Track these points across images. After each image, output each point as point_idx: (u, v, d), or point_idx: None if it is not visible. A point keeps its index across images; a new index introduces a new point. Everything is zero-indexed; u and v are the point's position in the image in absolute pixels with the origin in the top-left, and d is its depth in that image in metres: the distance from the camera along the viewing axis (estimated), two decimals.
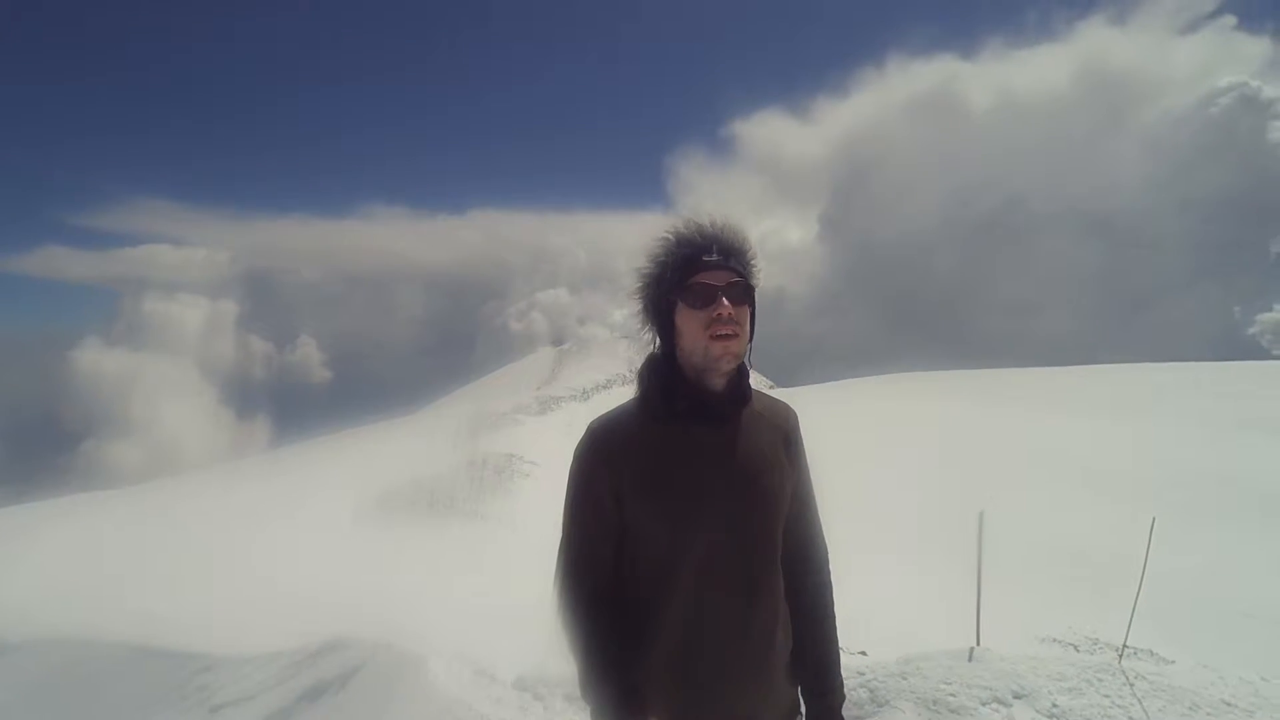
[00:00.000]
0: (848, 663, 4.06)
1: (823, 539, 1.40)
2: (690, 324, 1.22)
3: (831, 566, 1.42)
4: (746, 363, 1.31)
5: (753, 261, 1.29)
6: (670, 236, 1.27)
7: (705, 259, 1.23)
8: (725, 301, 1.20)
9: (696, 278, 1.22)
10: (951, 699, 3.40)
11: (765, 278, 1.35)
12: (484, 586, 8.98)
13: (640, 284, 1.30)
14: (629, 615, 1.27)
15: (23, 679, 6.68)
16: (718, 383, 1.25)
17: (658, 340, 1.31)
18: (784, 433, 1.34)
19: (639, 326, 1.34)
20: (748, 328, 1.25)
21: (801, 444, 1.38)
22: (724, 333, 1.20)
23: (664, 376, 1.28)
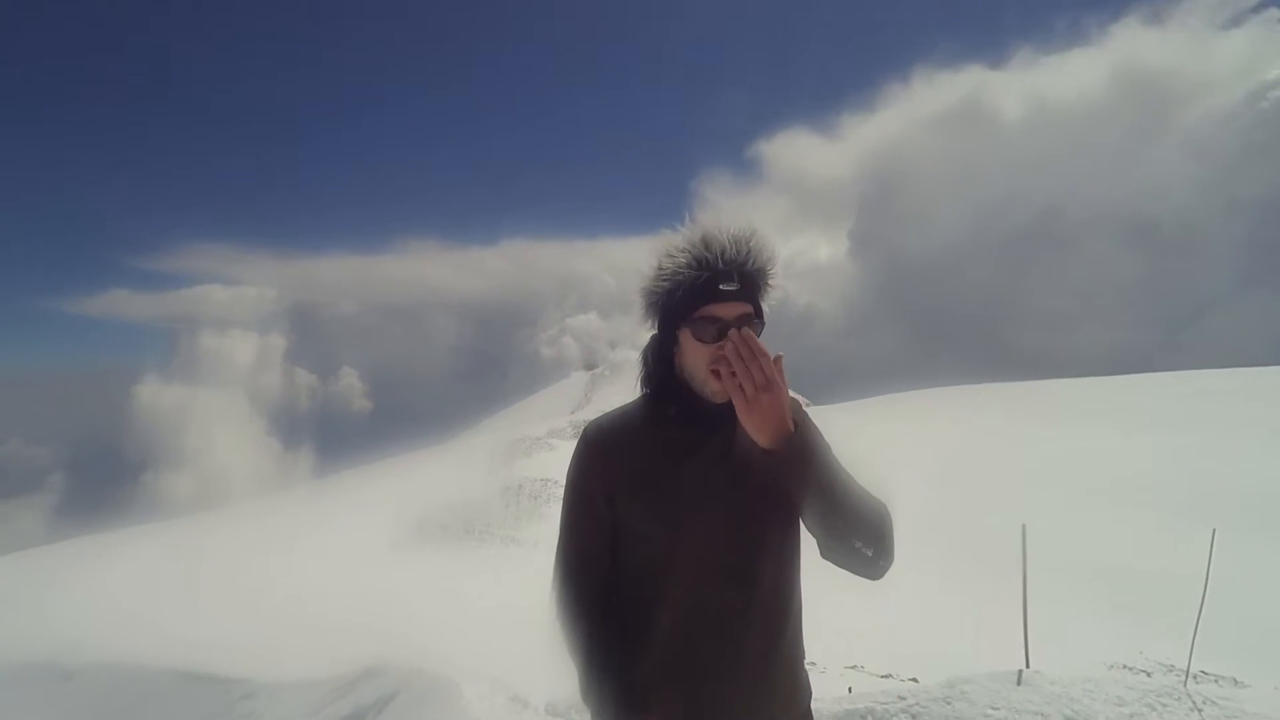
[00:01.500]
0: (893, 688, 3.90)
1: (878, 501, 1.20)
2: (693, 352, 1.18)
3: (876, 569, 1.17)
4: None
5: (772, 281, 1.20)
6: (689, 253, 1.17)
7: (722, 288, 1.15)
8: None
9: (708, 308, 1.16)
10: None
11: (793, 296, 1.26)
12: (519, 612, 8.96)
13: (650, 291, 1.22)
14: (627, 615, 1.26)
15: (80, 705, 6.93)
16: (717, 398, 1.20)
17: (659, 339, 1.26)
18: None
19: (648, 326, 1.27)
20: None
21: (814, 430, 1.25)
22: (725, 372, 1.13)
23: (660, 380, 1.27)
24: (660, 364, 1.27)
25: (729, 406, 1.23)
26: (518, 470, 18.38)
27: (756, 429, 1.07)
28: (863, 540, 1.13)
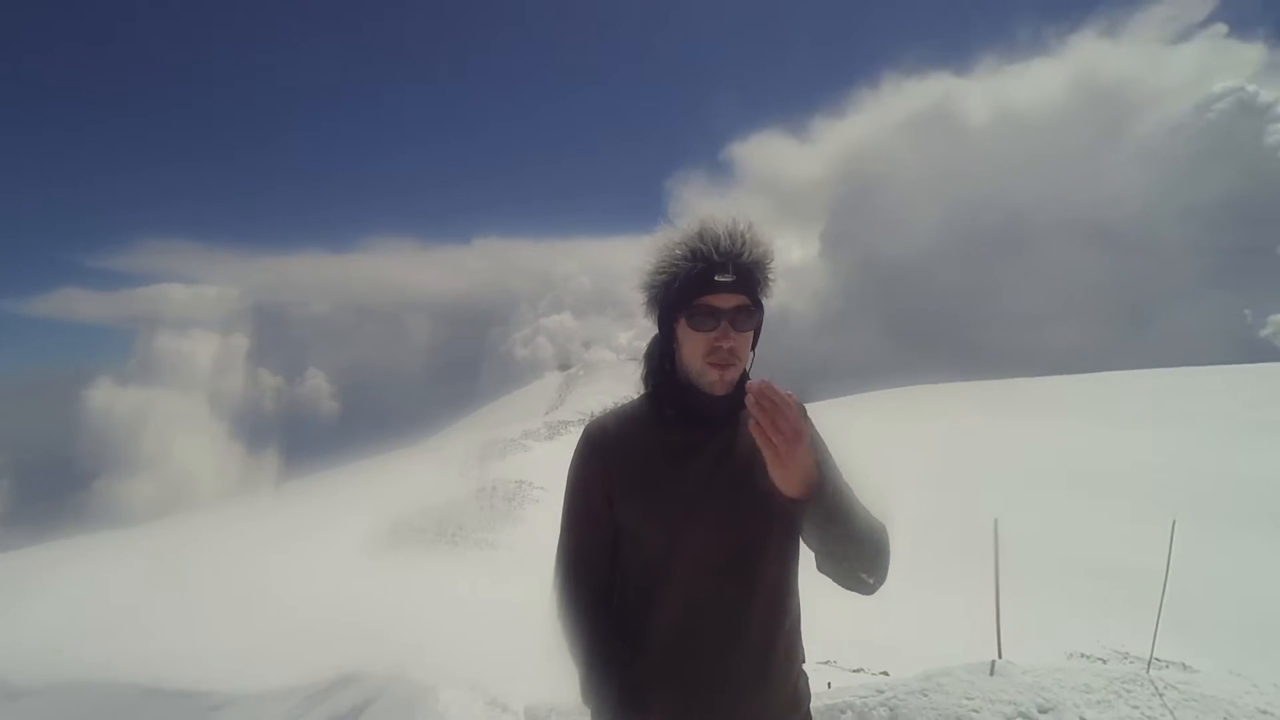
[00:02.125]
0: (868, 681, 3.97)
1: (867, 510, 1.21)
2: (690, 343, 1.19)
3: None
4: (746, 369, 1.29)
5: (770, 275, 1.21)
6: (683, 245, 1.18)
7: (717, 279, 1.16)
8: (729, 329, 1.16)
9: (703, 299, 1.17)
10: (975, 715, 3.30)
11: (769, 296, 1.27)
12: (495, 615, 8.87)
13: (648, 285, 1.24)
14: (627, 616, 1.26)
15: None
16: (715, 389, 1.21)
17: (659, 336, 1.27)
18: None
19: (645, 314, 1.29)
20: (748, 350, 1.21)
21: (815, 438, 1.28)
22: (722, 362, 1.17)
23: (660, 378, 1.27)
24: (662, 364, 1.28)
25: (729, 406, 1.24)
26: (492, 472, 18.18)
27: (786, 481, 1.06)
28: (865, 569, 1.15)
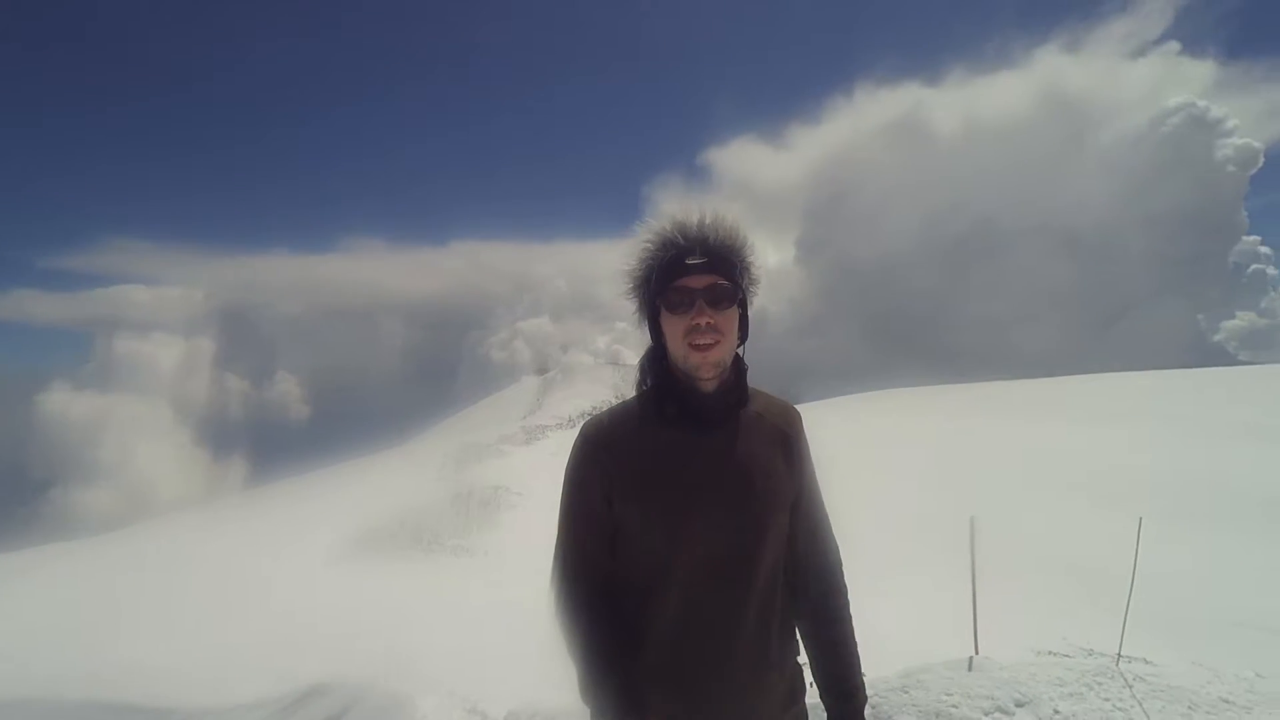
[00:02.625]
0: None
1: (834, 543, 1.36)
2: (672, 330, 1.21)
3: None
4: (743, 361, 1.30)
5: (746, 259, 1.24)
6: (654, 237, 1.23)
7: (688, 262, 1.19)
8: (704, 307, 1.18)
9: (677, 282, 1.20)
10: (954, 710, 3.36)
11: (757, 292, 1.29)
12: (473, 622, 8.74)
13: (629, 284, 1.28)
14: (626, 615, 1.25)
15: None
16: (708, 384, 1.23)
17: (650, 334, 1.29)
18: (785, 435, 1.31)
19: (635, 322, 1.31)
20: (734, 332, 1.23)
21: (805, 446, 1.35)
22: (702, 342, 1.18)
23: (656, 377, 1.27)
24: (656, 362, 1.28)
25: (728, 404, 1.25)
26: (468, 477, 17.94)
27: None
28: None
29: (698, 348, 1.19)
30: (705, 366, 1.20)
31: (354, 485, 20.21)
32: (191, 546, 15.47)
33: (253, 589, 11.51)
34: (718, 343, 1.20)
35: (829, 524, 1.37)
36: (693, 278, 1.19)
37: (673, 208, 1.24)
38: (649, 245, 1.24)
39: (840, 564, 1.38)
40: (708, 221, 1.22)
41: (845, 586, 1.37)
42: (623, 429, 1.26)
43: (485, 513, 15.19)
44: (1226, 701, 3.39)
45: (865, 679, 3.81)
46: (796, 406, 1.41)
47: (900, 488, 11.13)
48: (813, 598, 1.34)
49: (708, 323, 1.18)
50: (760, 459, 1.25)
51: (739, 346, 1.29)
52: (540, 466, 18.79)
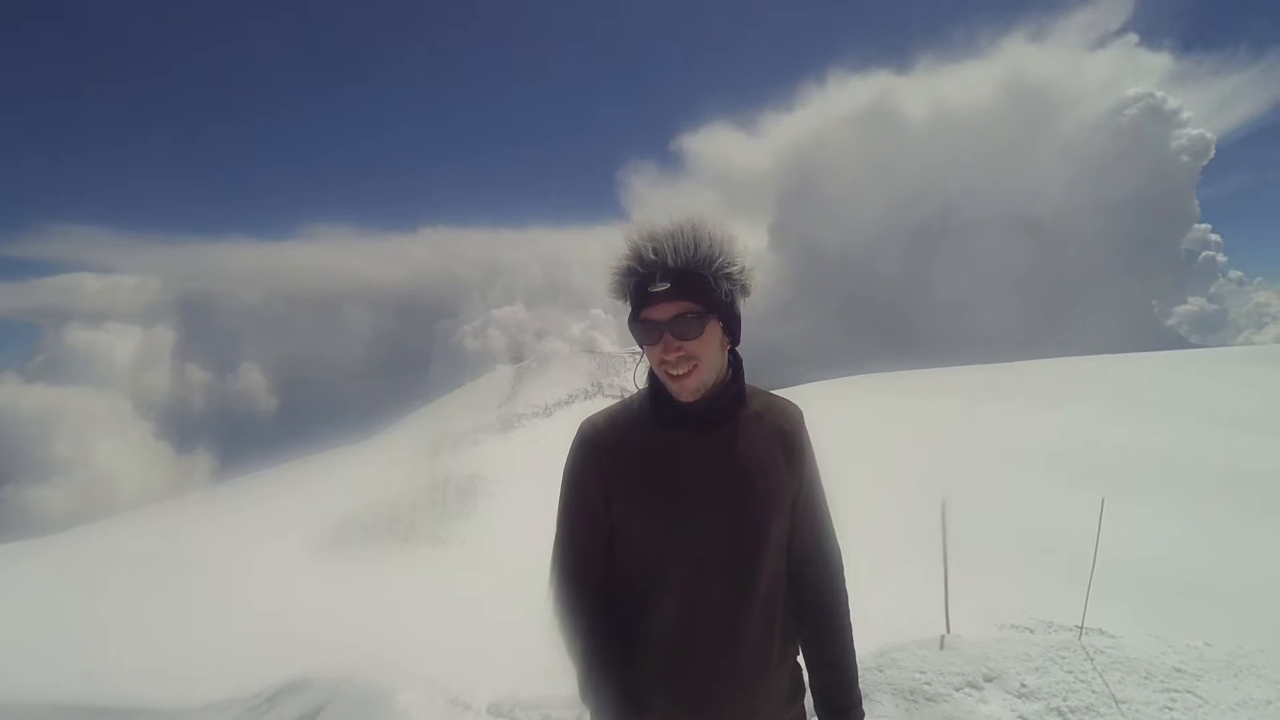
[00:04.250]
0: None
1: (835, 545, 1.36)
2: (649, 355, 1.20)
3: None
4: (739, 358, 1.30)
5: (723, 269, 1.17)
6: (624, 259, 1.17)
7: (650, 290, 1.13)
8: (671, 341, 1.14)
9: (643, 313, 1.16)
10: (927, 687, 3.48)
11: (751, 285, 1.24)
12: (451, 612, 8.70)
13: (614, 297, 1.24)
14: (625, 615, 1.25)
15: None
16: (680, 397, 1.21)
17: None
18: (785, 434, 1.30)
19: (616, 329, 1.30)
20: (713, 349, 1.19)
21: (808, 446, 1.34)
22: (676, 372, 1.16)
23: (652, 382, 1.27)
24: (650, 366, 1.27)
25: (726, 405, 1.25)
26: (444, 467, 17.76)
27: None
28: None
29: (673, 377, 1.17)
30: (684, 393, 1.19)
31: (326, 477, 19.84)
32: (159, 543, 15.04)
33: (225, 585, 11.26)
34: (694, 369, 1.17)
35: (831, 525, 1.36)
36: (658, 308, 1.14)
37: (639, 221, 1.16)
38: (621, 266, 1.19)
39: (842, 568, 1.37)
40: (673, 237, 1.14)
41: (846, 593, 1.36)
42: (620, 430, 1.25)
43: (462, 502, 15.07)
44: (1179, 670, 3.58)
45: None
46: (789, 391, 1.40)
47: (864, 471, 11.41)
48: (812, 605, 1.33)
49: (678, 355, 1.15)
50: (760, 458, 1.24)
51: (733, 348, 1.28)
52: (517, 455, 18.70)
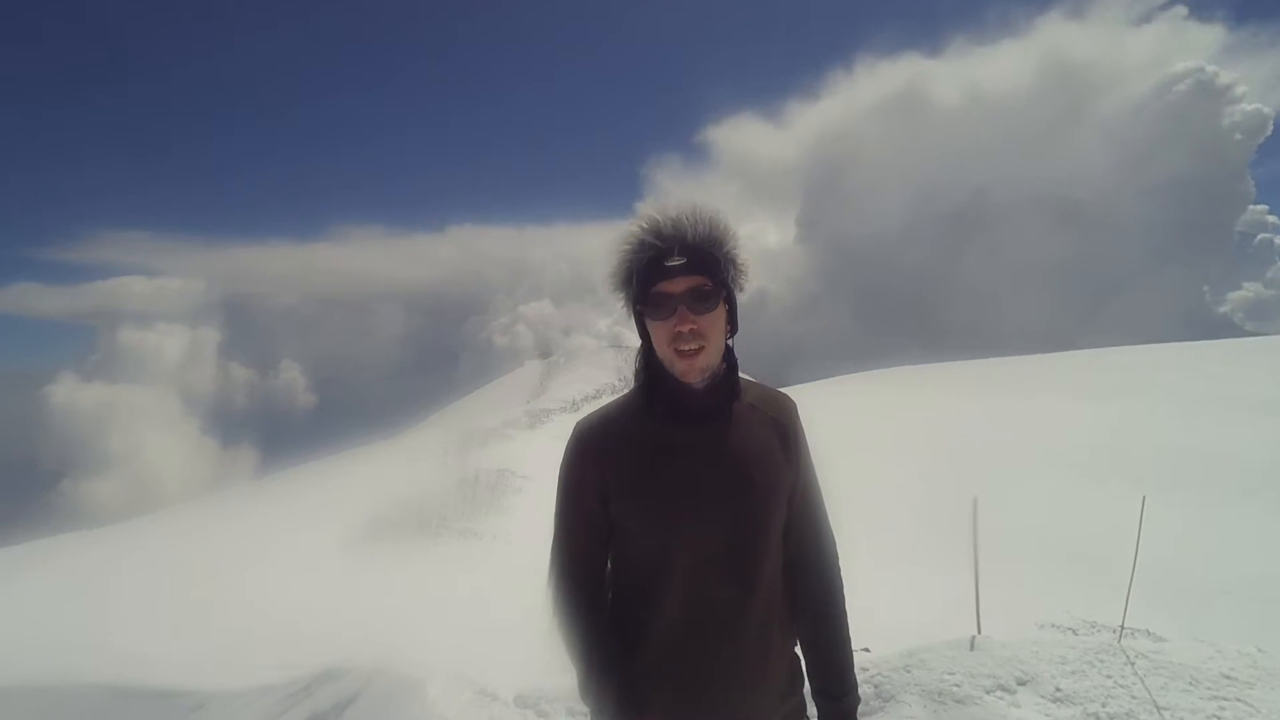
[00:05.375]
0: None
1: (830, 536, 1.35)
2: (657, 334, 1.19)
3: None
4: (734, 353, 1.28)
5: (730, 252, 1.20)
6: (631, 240, 1.19)
7: (666, 264, 1.15)
8: (686, 312, 1.15)
9: (656, 286, 1.16)
10: (956, 689, 3.39)
11: (750, 281, 1.26)
12: (481, 605, 8.85)
13: (613, 287, 1.25)
14: (624, 614, 1.25)
15: None
16: (698, 384, 1.21)
17: (639, 334, 1.27)
18: (780, 426, 1.29)
19: (625, 319, 1.28)
20: (720, 332, 1.20)
21: (802, 437, 1.33)
22: (687, 348, 1.16)
23: (645, 374, 1.26)
24: (647, 360, 1.26)
25: (717, 396, 1.23)
26: (473, 462, 18.05)
27: None
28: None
29: (683, 354, 1.16)
30: (692, 373, 1.18)
31: (361, 473, 20.38)
32: (200, 536, 15.67)
33: (264, 576, 11.67)
34: (703, 348, 1.17)
35: (826, 516, 1.35)
36: (672, 281, 1.15)
37: (650, 203, 1.20)
38: (627, 246, 1.20)
39: (837, 557, 1.36)
40: (686, 216, 1.17)
41: (841, 582, 1.36)
42: (616, 427, 1.24)
43: (492, 496, 15.31)
44: (1228, 678, 3.41)
45: (869, 656, 3.83)
46: (790, 388, 1.38)
47: (896, 468, 11.18)
48: (810, 594, 1.33)
49: (691, 329, 1.15)
50: (757, 451, 1.24)
51: (729, 339, 1.26)
52: (546, 450, 18.89)
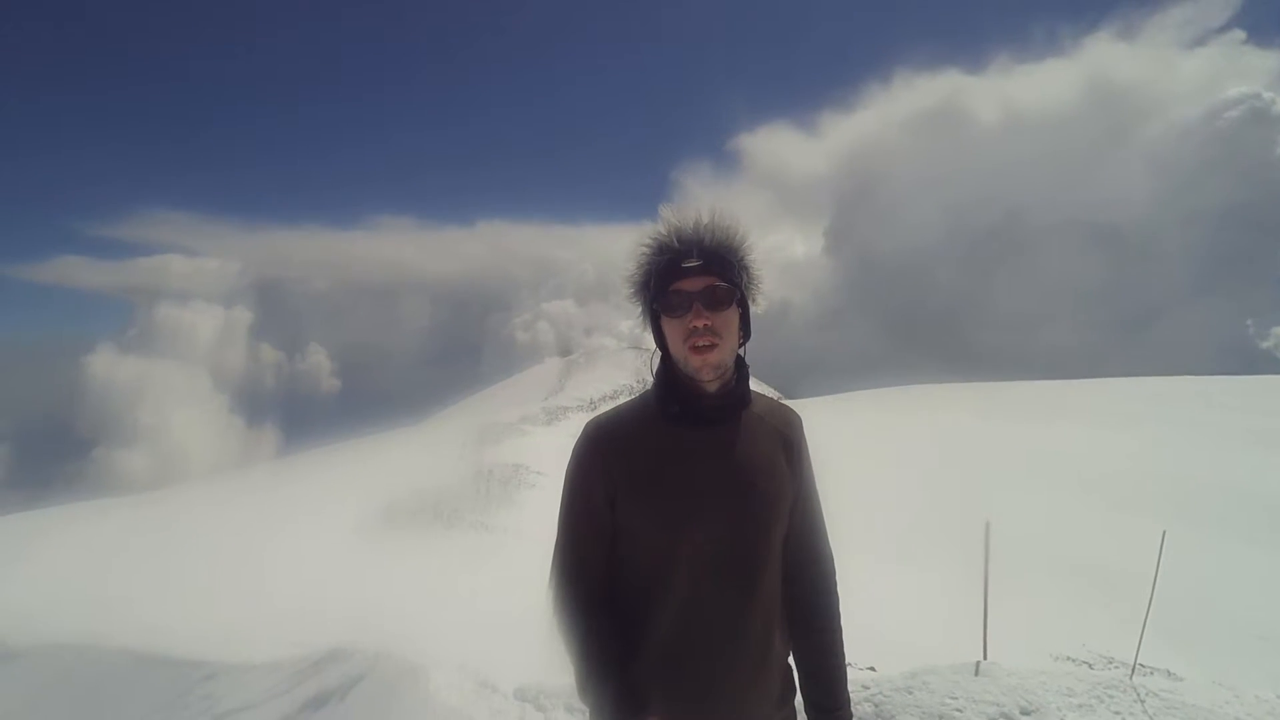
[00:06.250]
0: (854, 677, 4.01)
1: (828, 548, 1.37)
2: (672, 333, 1.23)
3: (838, 577, 1.39)
4: (745, 362, 1.31)
5: (744, 259, 1.25)
6: (651, 241, 1.24)
7: (684, 265, 1.20)
8: (701, 309, 1.18)
9: (674, 285, 1.21)
10: (957, 714, 3.34)
11: (770, 291, 1.31)
12: (488, 598, 8.93)
13: (631, 290, 1.30)
14: (625, 615, 1.26)
15: (24, 686, 6.68)
16: (711, 385, 1.24)
17: (654, 336, 1.31)
18: (785, 437, 1.32)
19: (643, 327, 1.33)
20: (733, 333, 1.23)
21: (805, 449, 1.35)
22: (701, 344, 1.19)
23: (661, 378, 1.28)
24: (660, 363, 1.30)
25: (731, 404, 1.25)
26: (489, 455, 18.23)
27: None
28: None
29: (697, 350, 1.20)
30: (705, 369, 1.21)
31: (379, 459, 20.71)
32: (222, 511, 16.07)
33: (280, 554, 11.92)
34: (716, 345, 1.20)
35: (825, 530, 1.37)
36: (689, 280, 1.20)
37: (670, 208, 1.25)
38: (646, 249, 1.25)
39: (834, 571, 1.38)
40: (704, 222, 1.22)
41: (838, 597, 1.37)
42: (625, 429, 1.27)
43: (505, 491, 15.46)
44: None
45: (871, 675, 3.80)
46: (801, 401, 1.40)
47: (907, 487, 10.98)
48: (805, 606, 1.34)
49: (705, 325, 1.19)
50: (763, 459, 1.26)
51: (741, 347, 1.29)
52: (561, 447, 18.92)
